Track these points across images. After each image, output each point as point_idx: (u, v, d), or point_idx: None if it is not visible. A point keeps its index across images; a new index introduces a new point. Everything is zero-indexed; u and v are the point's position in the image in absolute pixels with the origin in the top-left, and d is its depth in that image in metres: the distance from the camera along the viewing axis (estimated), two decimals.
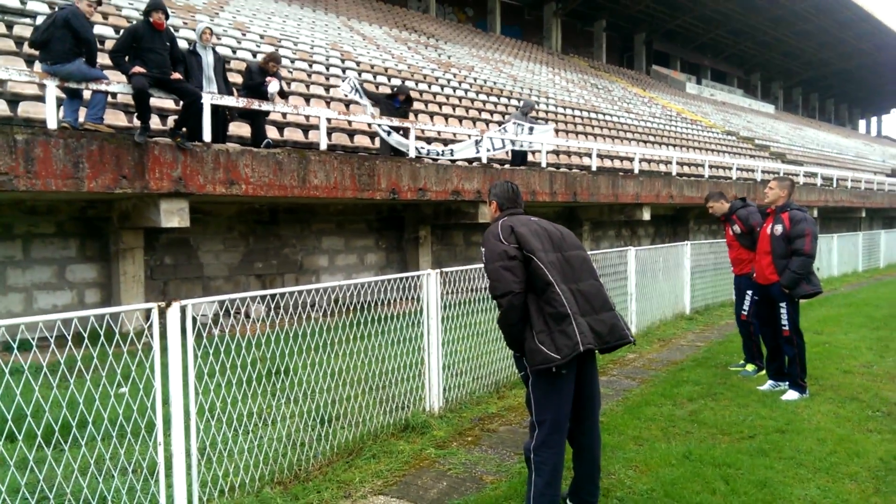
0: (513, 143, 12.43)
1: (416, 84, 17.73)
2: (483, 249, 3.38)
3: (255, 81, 8.96)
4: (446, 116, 15.80)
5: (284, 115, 11.35)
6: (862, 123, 73.14)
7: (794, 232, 5.71)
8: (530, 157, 15.76)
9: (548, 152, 14.01)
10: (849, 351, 7.62)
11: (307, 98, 12.99)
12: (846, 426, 4.97)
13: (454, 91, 18.54)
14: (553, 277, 3.19)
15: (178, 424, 3.32)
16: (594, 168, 14.54)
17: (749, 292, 6.67)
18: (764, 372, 6.58)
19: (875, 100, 67.20)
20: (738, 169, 21.06)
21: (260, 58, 10.83)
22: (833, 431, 4.82)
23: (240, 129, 10.13)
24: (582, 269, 3.38)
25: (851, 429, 4.91)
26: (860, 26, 46.27)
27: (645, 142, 22.43)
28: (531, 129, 12.54)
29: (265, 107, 8.79)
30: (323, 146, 9.25)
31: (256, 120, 9.07)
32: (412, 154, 10.45)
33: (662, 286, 9.81)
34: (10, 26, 10.61)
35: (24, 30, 10.42)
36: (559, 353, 3.10)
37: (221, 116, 8.54)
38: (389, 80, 16.96)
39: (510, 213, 3.56)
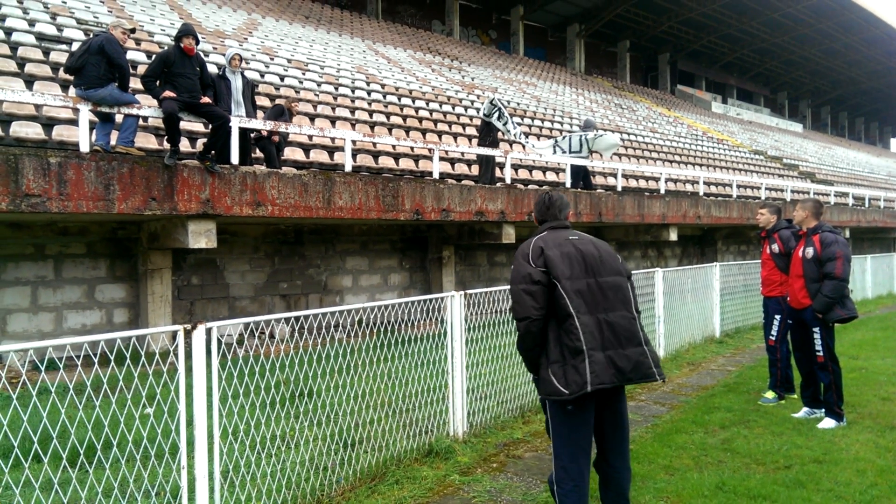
0: (572, 151, 12.68)
1: (441, 106, 17.86)
2: (512, 267, 3.30)
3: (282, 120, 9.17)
4: (470, 137, 15.86)
5: (310, 137, 11.50)
6: (893, 142, 71.70)
7: (826, 255, 5.55)
8: (553, 177, 15.74)
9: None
10: (887, 377, 7.36)
11: (333, 120, 13.15)
12: (887, 457, 4.76)
13: (478, 112, 18.61)
14: (575, 308, 3.07)
15: (201, 447, 3.30)
16: (619, 188, 14.43)
17: (777, 317, 6.52)
18: (784, 401, 6.41)
19: None
20: (766, 189, 20.73)
21: (282, 96, 11.01)
22: (873, 462, 4.62)
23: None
24: (615, 298, 3.19)
25: (892, 459, 4.70)
26: (889, 44, 45.59)
27: (671, 161, 22.25)
28: (594, 140, 12.53)
29: (292, 129, 8.93)
30: (348, 168, 9.32)
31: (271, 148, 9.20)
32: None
33: (691, 308, 9.62)
34: (46, 52, 10.96)
35: (60, 56, 10.75)
36: (567, 388, 3.03)
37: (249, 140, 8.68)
38: (414, 101, 17.11)
39: (550, 227, 3.38)
